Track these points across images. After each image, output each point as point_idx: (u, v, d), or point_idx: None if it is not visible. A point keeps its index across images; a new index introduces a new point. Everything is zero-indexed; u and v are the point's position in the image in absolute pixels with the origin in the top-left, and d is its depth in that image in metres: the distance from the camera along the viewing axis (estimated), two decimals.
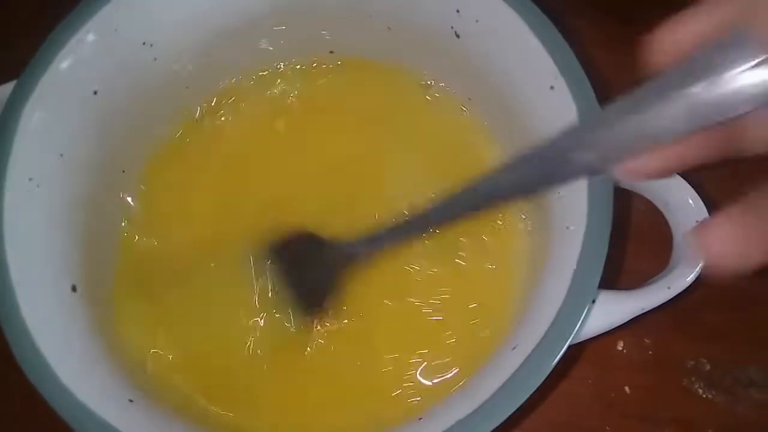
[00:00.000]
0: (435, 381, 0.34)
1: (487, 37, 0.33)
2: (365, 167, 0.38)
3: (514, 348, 0.27)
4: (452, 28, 0.34)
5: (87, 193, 0.33)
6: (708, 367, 0.38)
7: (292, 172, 0.38)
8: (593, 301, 0.26)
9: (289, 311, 0.35)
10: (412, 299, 0.35)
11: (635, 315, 0.27)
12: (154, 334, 0.35)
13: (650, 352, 0.39)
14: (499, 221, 0.36)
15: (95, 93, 0.33)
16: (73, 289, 0.31)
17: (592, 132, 0.20)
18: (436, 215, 0.28)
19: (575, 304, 0.26)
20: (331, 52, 0.40)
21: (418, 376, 0.34)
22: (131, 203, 0.37)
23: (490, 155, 0.38)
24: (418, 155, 0.38)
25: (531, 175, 0.22)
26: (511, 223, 0.36)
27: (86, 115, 0.33)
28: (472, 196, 0.25)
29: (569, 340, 0.25)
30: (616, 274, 0.39)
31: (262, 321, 0.35)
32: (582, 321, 0.25)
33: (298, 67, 0.40)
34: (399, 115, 0.39)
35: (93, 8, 0.31)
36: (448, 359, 0.34)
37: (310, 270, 0.35)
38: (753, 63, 0.16)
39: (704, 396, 0.38)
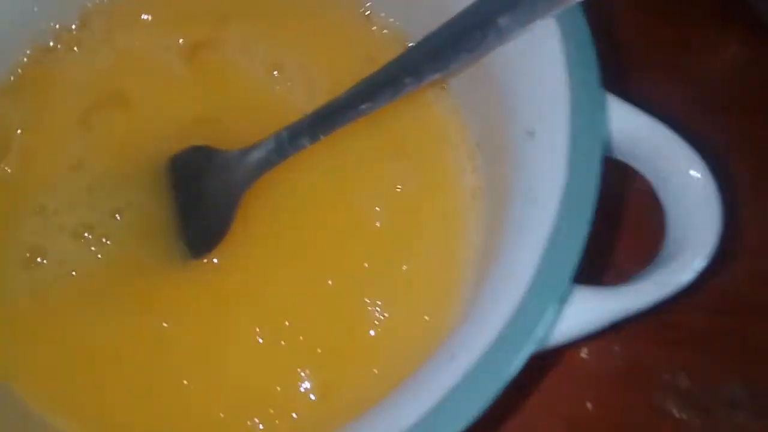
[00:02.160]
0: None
1: None
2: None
3: (452, 357, 0.19)
4: None
5: None
6: (686, 381, 0.32)
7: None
8: (564, 299, 0.19)
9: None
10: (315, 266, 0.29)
11: (617, 319, 0.20)
12: None
13: (619, 362, 0.32)
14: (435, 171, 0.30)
15: None
16: None
17: None
18: (348, 102, 0.26)
19: (540, 300, 0.18)
20: None
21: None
22: None
23: None
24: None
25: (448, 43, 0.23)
26: (453, 173, 0.29)
27: None
28: (386, 74, 0.25)
29: (526, 350, 0.18)
30: (598, 270, 0.31)
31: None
32: (547, 324, 0.18)
33: None
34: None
35: None
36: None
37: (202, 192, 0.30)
38: None
39: (678, 416, 0.31)
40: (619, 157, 0.23)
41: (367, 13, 0.33)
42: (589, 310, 0.19)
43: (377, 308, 0.28)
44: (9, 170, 0.30)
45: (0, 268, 0.29)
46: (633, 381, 0.32)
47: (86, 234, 0.29)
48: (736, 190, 0.31)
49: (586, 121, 0.21)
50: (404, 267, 0.28)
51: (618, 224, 0.32)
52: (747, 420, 0.31)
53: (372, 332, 0.28)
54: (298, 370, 0.28)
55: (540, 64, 0.23)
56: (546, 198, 0.20)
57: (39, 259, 0.29)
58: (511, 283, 0.19)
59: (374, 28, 0.33)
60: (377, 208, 0.30)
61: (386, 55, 0.31)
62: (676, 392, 0.32)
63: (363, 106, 0.26)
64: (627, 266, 0.31)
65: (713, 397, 0.32)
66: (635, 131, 0.22)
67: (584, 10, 0.23)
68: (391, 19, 0.33)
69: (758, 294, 0.33)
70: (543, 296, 0.18)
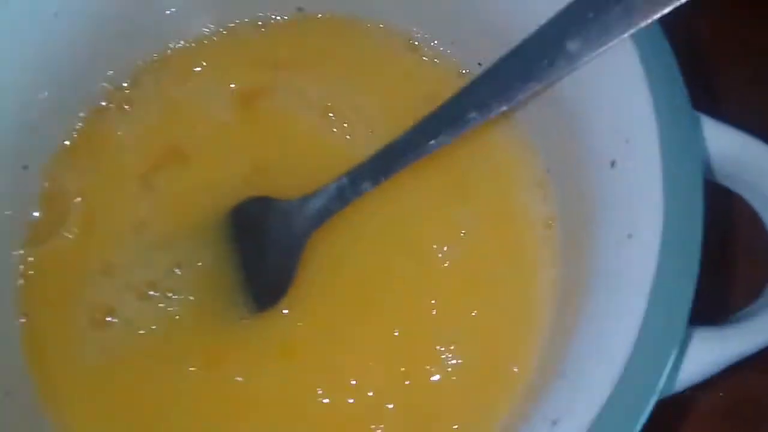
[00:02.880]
0: None
1: None
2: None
3: (553, 423, 0.17)
4: None
5: None
6: None
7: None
8: (683, 344, 0.17)
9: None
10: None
11: (741, 358, 0.18)
12: None
13: (722, 394, 0.29)
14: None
15: None
16: None
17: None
18: (408, 142, 0.26)
19: (656, 348, 0.16)
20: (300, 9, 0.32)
21: None
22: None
23: None
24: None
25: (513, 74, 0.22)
26: (522, 205, 0.29)
27: None
28: (449, 111, 0.25)
29: (647, 409, 0.16)
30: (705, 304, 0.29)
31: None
32: (666, 376, 0.16)
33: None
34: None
35: None
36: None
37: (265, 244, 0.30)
38: None
39: None
40: (719, 181, 0.21)
41: (415, 44, 0.32)
42: (709, 352, 0.17)
43: (449, 354, 0.27)
44: (70, 236, 0.30)
45: (70, 329, 0.29)
46: (740, 416, 0.29)
47: (151, 292, 0.29)
48: None
49: (680, 146, 0.19)
50: (474, 313, 0.27)
51: (723, 254, 0.30)
52: None
53: (441, 379, 0.27)
54: (371, 426, 0.27)
55: (618, 85, 0.22)
56: (644, 234, 0.18)
57: (108, 318, 0.29)
58: (615, 332, 0.17)
59: (425, 58, 0.32)
60: (443, 252, 0.29)
61: (441, 85, 0.31)
62: None
63: (424, 147, 0.25)
64: (734, 300, 0.29)
65: None
66: (734, 153, 0.20)
67: (662, 25, 0.21)
68: (441, 48, 0.32)
69: None
70: (660, 344, 0.16)
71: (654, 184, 0.19)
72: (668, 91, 0.20)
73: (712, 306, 0.29)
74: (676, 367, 0.16)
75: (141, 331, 0.29)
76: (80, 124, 0.31)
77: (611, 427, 0.16)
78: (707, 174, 0.20)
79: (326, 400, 0.27)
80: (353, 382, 0.27)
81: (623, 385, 0.16)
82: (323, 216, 0.28)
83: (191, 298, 0.29)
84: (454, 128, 0.24)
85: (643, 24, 0.20)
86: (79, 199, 0.31)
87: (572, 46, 0.21)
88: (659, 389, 0.16)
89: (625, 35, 0.21)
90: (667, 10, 0.19)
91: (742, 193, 0.21)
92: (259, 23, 0.33)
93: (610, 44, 0.21)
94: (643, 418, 0.16)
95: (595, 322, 0.19)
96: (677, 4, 0.19)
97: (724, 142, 0.20)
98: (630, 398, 0.16)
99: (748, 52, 0.34)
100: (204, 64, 0.32)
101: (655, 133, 0.20)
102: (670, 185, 0.19)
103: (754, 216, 0.21)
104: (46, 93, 0.29)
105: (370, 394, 0.27)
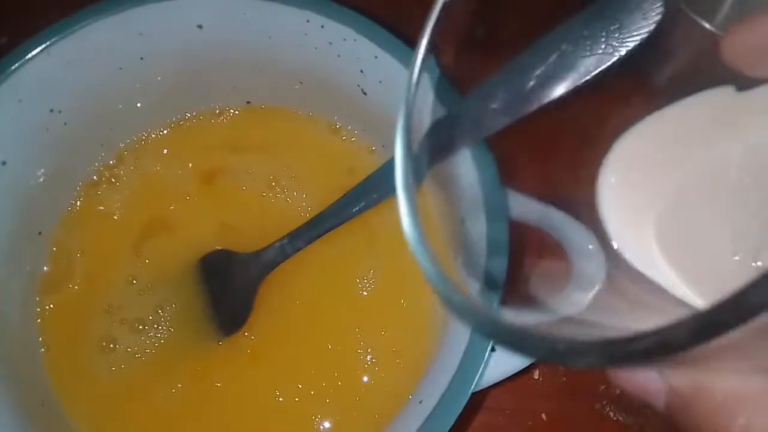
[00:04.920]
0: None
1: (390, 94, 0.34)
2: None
3: (420, 402, 0.28)
4: (359, 86, 0.35)
5: None
6: (617, 390, 0.41)
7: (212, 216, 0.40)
8: (487, 359, 0.27)
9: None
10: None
11: (524, 366, 0.29)
12: None
13: (564, 379, 0.41)
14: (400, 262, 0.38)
15: (3, 164, 0.33)
16: None
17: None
18: (329, 214, 0.35)
19: (473, 361, 0.27)
20: (248, 102, 0.41)
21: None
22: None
23: None
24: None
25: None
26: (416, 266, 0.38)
27: None
28: (355, 194, 0.34)
29: (467, 393, 0.27)
30: None
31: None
32: (478, 375, 0.27)
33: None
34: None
35: None
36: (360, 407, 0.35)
37: (227, 286, 0.38)
38: None
39: (615, 419, 0.40)
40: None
41: (336, 127, 0.41)
42: (503, 363, 0.28)
43: (369, 360, 0.37)
44: (76, 288, 0.38)
45: (83, 353, 0.37)
46: (576, 394, 0.41)
47: (140, 326, 0.38)
48: None
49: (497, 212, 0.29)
50: (383, 331, 0.37)
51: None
52: None
53: (365, 378, 0.37)
54: (313, 417, 0.36)
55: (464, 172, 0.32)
56: None
57: (111, 345, 0.37)
58: (454, 351, 0.28)
59: (344, 138, 0.41)
60: (362, 285, 0.38)
61: (356, 159, 0.41)
62: (611, 399, 0.41)
63: (339, 219, 0.35)
64: None
65: (641, 402, 0.40)
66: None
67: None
68: (356, 131, 0.41)
69: None
70: (475, 358, 0.27)
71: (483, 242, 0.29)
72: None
73: None
74: (483, 371, 0.27)
75: (138, 355, 0.37)
76: (78, 194, 0.39)
77: (448, 403, 0.27)
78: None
79: (281, 399, 0.36)
80: (300, 386, 0.36)
81: (455, 380, 0.27)
82: (272, 265, 0.37)
83: (172, 330, 0.37)
84: (358, 206, 0.35)
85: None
86: (79, 254, 0.38)
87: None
88: (474, 382, 0.27)
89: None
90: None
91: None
92: (217, 111, 0.41)
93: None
94: (466, 397, 0.26)
95: (447, 344, 0.30)
96: None
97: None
98: (459, 387, 0.27)
99: None
100: (169, 149, 0.40)
101: (482, 203, 0.30)
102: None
103: None
104: (52, 171, 0.37)
105: (312, 392, 0.36)
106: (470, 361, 0.27)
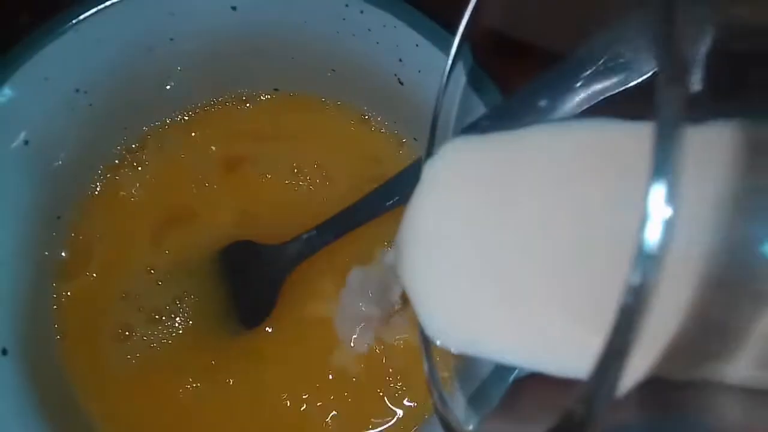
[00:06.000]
0: None
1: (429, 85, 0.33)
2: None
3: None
4: (395, 75, 0.34)
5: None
6: None
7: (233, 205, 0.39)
8: None
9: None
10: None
11: None
12: None
13: None
14: None
15: (26, 143, 0.32)
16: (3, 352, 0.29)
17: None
18: (357, 209, 0.34)
19: None
20: (276, 89, 0.40)
21: None
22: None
23: None
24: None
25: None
26: None
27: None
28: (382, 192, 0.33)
29: None
30: None
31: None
32: None
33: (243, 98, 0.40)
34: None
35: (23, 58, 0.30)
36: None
37: (250, 279, 0.37)
38: None
39: None
40: None
41: (366, 117, 0.40)
42: None
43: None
44: (94, 275, 0.37)
45: (98, 341, 0.36)
46: None
47: (157, 316, 0.37)
48: None
49: None
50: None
51: None
52: None
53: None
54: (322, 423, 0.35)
55: None
56: None
57: (127, 333, 0.36)
58: None
59: (373, 129, 0.40)
60: None
61: (384, 150, 0.39)
62: None
63: (371, 213, 0.34)
64: None
65: None
66: None
67: None
68: (386, 122, 0.40)
69: None
70: None
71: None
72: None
73: None
74: None
75: (153, 345, 0.36)
76: (98, 177, 0.38)
77: None
78: None
79: (289, 403, 0.35)
80: (312, 388, 0.36)
81: None
82: (298, 259, 0.36)
83: (190, 322, 0.36)
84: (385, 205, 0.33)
85: None
86: (99, 235, 0.37)
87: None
88: None
89: None
90: None
91: None
92: (243, 98, 0.40)
93: None
94: None
95: None
96: None
97: None
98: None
99: None
100: (193, 134, 0.39)
101: None
102: None
103: None
104: (75, 153, 0.35)
105: (319, 404, 0.36)
106: None
